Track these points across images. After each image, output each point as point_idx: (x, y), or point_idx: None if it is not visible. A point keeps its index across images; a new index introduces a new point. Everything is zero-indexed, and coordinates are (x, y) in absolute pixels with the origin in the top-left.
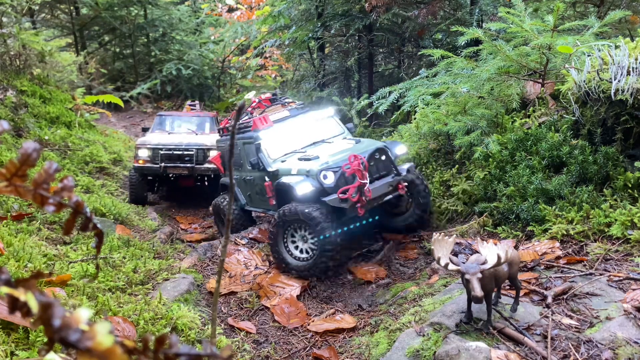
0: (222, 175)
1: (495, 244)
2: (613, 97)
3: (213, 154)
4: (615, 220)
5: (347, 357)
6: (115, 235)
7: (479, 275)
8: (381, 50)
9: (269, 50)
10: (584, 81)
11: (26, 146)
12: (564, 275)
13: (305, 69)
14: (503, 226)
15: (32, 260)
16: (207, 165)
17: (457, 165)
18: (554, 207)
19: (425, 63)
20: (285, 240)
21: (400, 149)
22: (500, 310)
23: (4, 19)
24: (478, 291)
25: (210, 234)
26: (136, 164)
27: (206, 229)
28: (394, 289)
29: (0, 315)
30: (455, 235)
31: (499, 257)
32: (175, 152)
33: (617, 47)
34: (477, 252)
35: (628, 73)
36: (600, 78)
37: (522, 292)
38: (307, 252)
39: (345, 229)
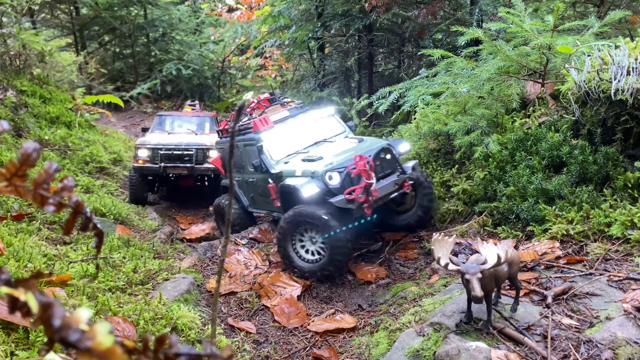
0: (223, 177)
1: (495, 244)
2: (613, 97)
3: (213, 154)
4: (615, 220)
5: (347, 357)
6: (115, 235)
7: (479, 275)
8: (381, 50)
9: (269, 50)
10: (584, 81)
11: (26, 146)
12: (564, 275)
13: (305, 69)
14: (503, 226)
15: (32, 260)
16: (206, 165)
17: (457, 165)
18: (554, 207)
19: (425, 63)
20: (293, 243)
21: (403, 147)
22: (500, 310)
23: (4, 19)
24: (478, 291)
25: (210, 227)
26: (136, 164)
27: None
28: (394, 289)
29: (0, 315)
30: (455, 235)
31: (499, 257)
32: (174, 152)
33: (617, 47)
34: (477, 252)
35: (628, 73)
36: (600, 78)
37: (522, 292)
38: (316, 254)
39: (351, 227)
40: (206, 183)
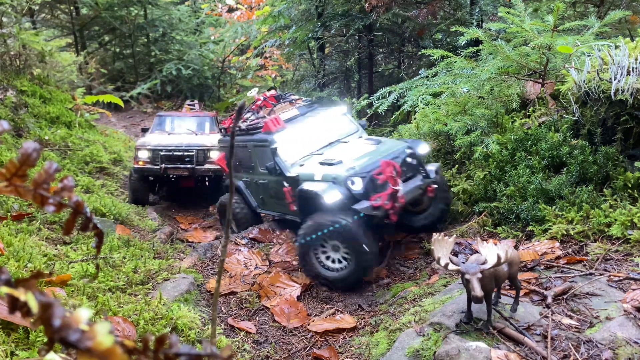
0: (226, 176)
1: (495, 244)
2: (613, 97)
3: (214, 154)
4: (615, 220)
5: (347, 357)
6: (115, 235)
7: (479, 275)
8: (381, 50)
9: (269, 50)
10: (584, 81)
11: (26, 146)
12: (564, 275)
13: (305, 69)
14: (503, 226)
15: (32, 260)
16: (207, 165)
17: (457, 165)
18: (554, 207)
19: (425, 63)
20: (315, 251)
21: (422, 148)
22: (500, 310)
23: (4, 19)
24: (478, 291)
25: (214, 235)
26: (136, 166)
27: (207, 229)
28: (394, 289)
29: (0, 315)
30: (455, 235)
31: (499, 257)
32: (175, 153)
33: (617, 47)
34: (477, 252)
35: (628, 73)
36: (600, 78)
37: (522, 292)
38: (341, 261)
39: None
40: (207, 183)
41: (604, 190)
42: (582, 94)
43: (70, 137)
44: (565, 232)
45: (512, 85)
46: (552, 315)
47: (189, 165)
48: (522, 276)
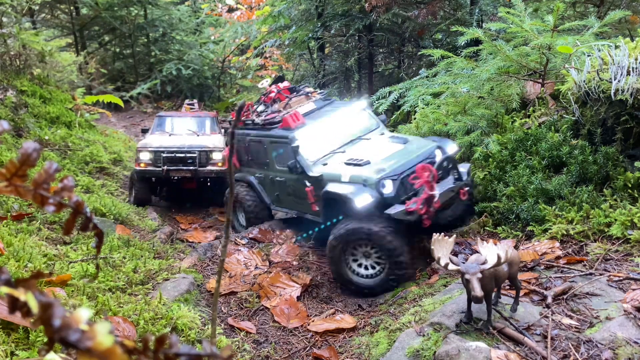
0: (236, 171)
1: (495, 244)
2: (613, 97)
3: (216, 155)
4: (615, 220)
5: (347, 357)
6: (115, 235)
7: (479, 275)
8: (381, 50)
9: (269, 50)
10: (584, 81)
11: (26, 146)
12: (564, 275)
13: (305, 69)
14: (503, 226)
15: (32, 260)
16: (210, 167)
17: None
18: (554, 207)
19: (425, 63)
20: (346, 260)
21: (451, 148)
22: (500, 310)
23: (4, 19)
24: (478, 291)
25: (214, 236)
26: (138, 167)
27: (207, 229)
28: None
29: (0, 315)
30: (455, 235)
31: (499, 257)
32: (177, 155)
33: (617, 47)
34: (477, 252)
35: (628, 73)
36: (600, 78)
37: (522, 292)
38: (374, 268)
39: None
40: (208, 184)
41: (604, 190)
42: (582, 94)
43: (70, 137)
44: (565, 232)
45: (512, 85)
46: (552, 315)
47: (191, 167)
48: (522, 276)
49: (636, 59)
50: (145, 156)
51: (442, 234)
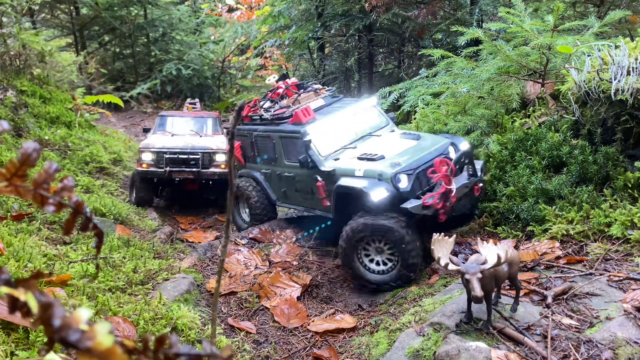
0: (240, 167)
1: (495, 244)
2: (613, 97)
3: (220, 157)
4: (615, 220)
5: (347, 357)
6: (115, 235)
7: (479, 275)
8: (381, 50)
9: (269, 50)
10: (584, 81)
11: (26, 146)
12: (564, 275)
13: (305, 69)
14: (503, 226)
15: (32, 260)
16: (213, 169)
17: None
18: (554, 207)
19: (425, 63)
20: (359, 255)
21: (464, 145)
22: (500, 310)
23: (4, 19)
24: (478, 291)
25: (213, 236)
26: (140, 168)
27: (207, 229)
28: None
29: (0, 315)
30: (455, 235)
31: (499, 257)
32: (180, 156)
33: (617, 47)
34: (477, 252)
35: (628, 73)
36: (600, 78)
37: (522, 292)
38: (386, 263)
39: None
40: (211, 185)
41: (604, 190)
42: (582, 94)
43: (70, 137)
44: (565, 232)
45: (512, 85)
46: (552, 315)
47: (194, 169)
48: (522, 276)
49: (636, 59)
50: (148, 157)
51: (442, 234)
